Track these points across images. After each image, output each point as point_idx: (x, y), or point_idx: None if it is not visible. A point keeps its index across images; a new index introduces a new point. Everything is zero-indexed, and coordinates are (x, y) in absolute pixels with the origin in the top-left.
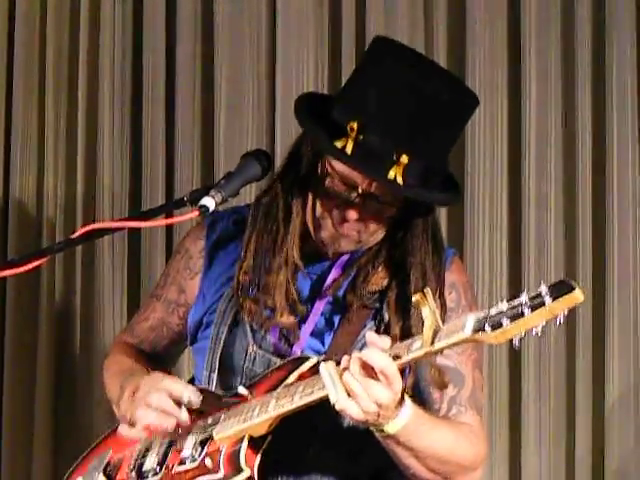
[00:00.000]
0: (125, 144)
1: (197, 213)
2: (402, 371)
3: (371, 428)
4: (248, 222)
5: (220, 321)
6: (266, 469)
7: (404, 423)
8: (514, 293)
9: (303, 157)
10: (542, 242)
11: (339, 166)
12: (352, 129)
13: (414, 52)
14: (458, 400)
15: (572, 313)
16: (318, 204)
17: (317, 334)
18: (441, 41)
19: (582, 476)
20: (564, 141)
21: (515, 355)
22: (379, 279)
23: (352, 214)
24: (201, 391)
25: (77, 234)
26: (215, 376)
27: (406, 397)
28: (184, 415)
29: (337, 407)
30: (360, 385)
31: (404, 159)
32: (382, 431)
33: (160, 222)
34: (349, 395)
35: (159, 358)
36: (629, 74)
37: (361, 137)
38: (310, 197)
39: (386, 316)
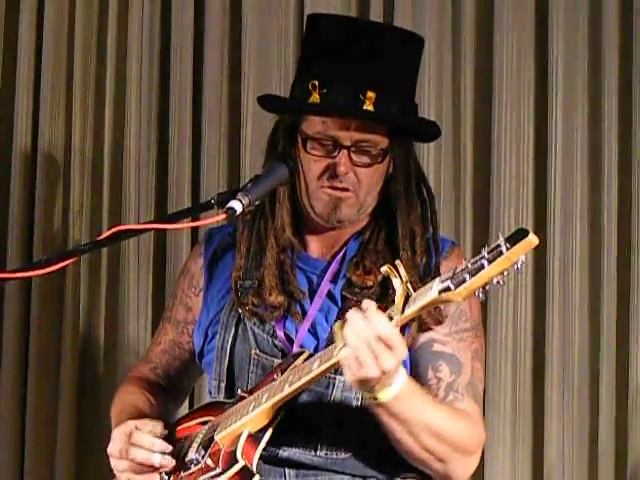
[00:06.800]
0: (151, 146)
1: (224, 216)
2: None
3: (364, 395)
4: (239, 225)
5: (224, 330)
6: (276, 470)
7: (397, 391)
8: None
9: (279, 142)
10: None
11: (315, 127)
12: (314, 86)
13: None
14: (455, 387)
15: (596, 292)
16: (307, 176)
17: (314, 331)
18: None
19: (605, 459)
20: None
21: (539, 339)
22: (373, 275)
23: (341, 168)
24: (208, 404)
25: (104, 235)
26: (224, 385)
27: (401, 366)
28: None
29: (343, 364)
30: (371, 352)
31: (370, 94)
32: (375, 398)
33: (186, 225)
34: (357, 360)
35: (172, 385)
36: None
37: (324, 90)
38: (298, 175)
39: None
